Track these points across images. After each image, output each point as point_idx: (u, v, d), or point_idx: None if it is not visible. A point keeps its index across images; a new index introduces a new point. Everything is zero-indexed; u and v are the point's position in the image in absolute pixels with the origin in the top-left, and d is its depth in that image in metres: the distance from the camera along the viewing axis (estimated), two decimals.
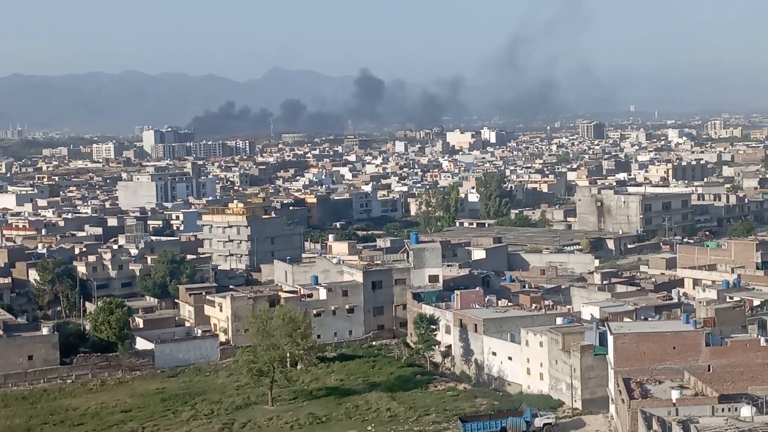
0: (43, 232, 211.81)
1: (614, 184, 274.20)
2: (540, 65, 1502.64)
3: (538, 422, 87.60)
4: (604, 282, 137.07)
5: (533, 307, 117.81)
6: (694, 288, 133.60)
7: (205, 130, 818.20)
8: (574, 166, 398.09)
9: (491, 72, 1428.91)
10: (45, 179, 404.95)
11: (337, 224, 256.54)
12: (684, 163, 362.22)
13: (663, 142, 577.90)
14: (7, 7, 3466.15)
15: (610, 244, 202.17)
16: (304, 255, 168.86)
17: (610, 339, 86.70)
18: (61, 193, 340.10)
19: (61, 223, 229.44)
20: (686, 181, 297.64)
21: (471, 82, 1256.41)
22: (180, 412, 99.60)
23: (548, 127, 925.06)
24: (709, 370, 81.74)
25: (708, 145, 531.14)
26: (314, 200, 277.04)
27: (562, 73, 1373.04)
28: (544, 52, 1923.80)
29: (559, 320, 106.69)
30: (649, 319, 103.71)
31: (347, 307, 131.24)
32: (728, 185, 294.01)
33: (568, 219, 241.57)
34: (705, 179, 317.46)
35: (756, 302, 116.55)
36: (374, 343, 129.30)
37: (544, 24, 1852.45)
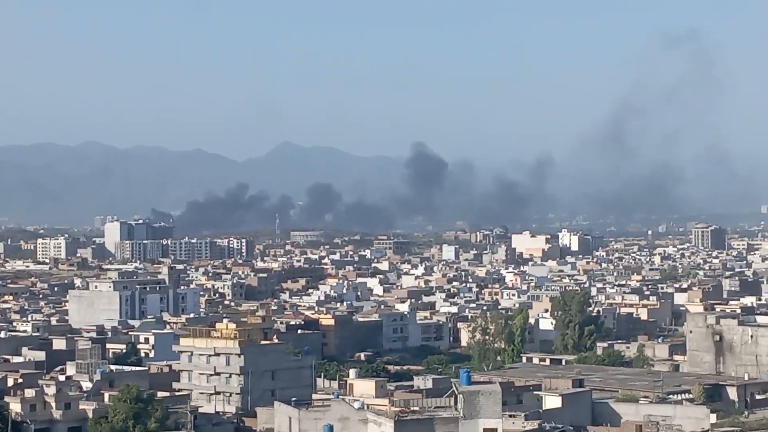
0: None
1: (738, 311, 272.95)
2: (656, 146, 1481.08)
3: None
4: None
5: None
6: None
7: (200, 222, 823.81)
8: (684, 286, 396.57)
9: (589, 153, 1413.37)
10: None
11: (362, 355, 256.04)
12: None
13: None
14: None
15: (732, 392, 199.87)
16: (315, 396, 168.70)
17: None
18: None
19: None
20: None
21: (562, 168, 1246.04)
22: None
23: (649, 232, 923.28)
24: None
25: None
26: (331, 322, 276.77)
27: (687, 158, 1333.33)
28: (662, 128, 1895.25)
29: None
30: None
31: None
32: None
33: (675, 357, 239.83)
34: None
35: None
36: None
37: (662, 90, 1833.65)
